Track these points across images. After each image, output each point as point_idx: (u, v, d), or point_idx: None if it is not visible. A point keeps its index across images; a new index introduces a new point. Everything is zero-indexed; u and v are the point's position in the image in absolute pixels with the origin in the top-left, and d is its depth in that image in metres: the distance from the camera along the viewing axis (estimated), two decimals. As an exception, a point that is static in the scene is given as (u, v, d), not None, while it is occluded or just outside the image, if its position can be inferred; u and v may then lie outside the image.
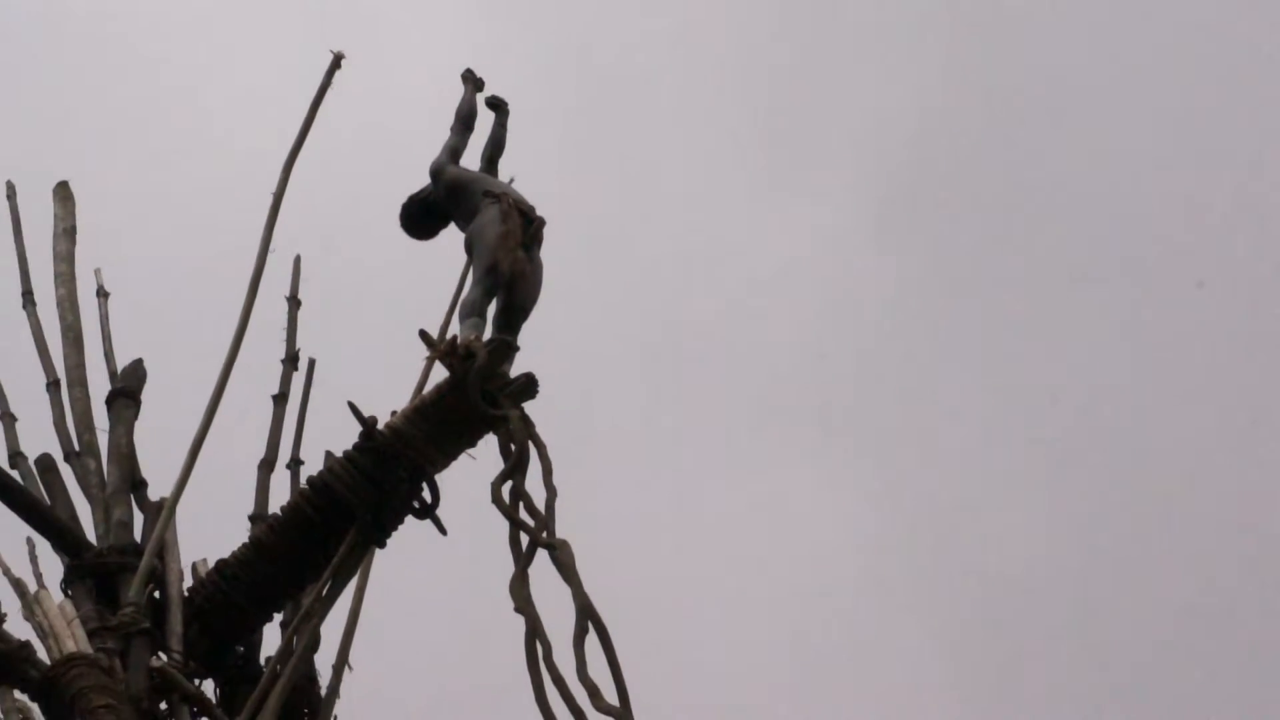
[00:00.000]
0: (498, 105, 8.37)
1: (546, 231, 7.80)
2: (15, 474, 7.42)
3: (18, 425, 7.73)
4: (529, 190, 7.92)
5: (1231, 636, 17.67)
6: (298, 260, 8.31)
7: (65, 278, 8.24)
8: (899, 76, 20.72)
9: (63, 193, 8.54)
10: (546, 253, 7.69)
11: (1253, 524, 18.68)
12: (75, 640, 6.89)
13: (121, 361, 8.04)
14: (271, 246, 8.06)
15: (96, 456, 7.62)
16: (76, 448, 7.67)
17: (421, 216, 7.89)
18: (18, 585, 7.16)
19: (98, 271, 8.31)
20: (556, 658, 6.44)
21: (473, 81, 8.38)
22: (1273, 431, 18.90)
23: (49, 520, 7.29)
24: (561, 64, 19.32)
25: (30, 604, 7.10)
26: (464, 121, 8.15)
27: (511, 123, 8.75)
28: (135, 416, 7.84)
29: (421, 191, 7.85)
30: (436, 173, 7.81)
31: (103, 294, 8.23)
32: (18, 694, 6.90)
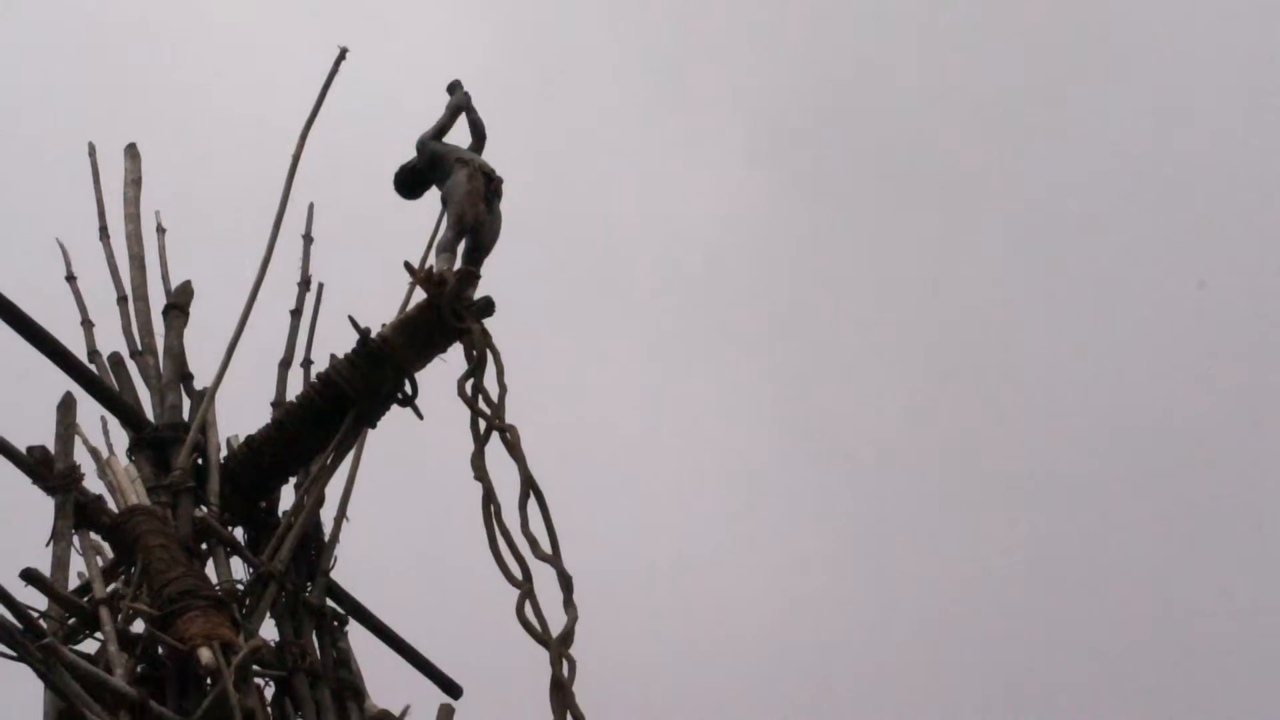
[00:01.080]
0: (452, 88, 8.48)
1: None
2: (92, 367, 7.66)
3: (95, 330, 7.95)
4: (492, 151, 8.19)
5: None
6: (311, 207, 8.57)
7: (132, 217, 8.46)
8: (778, 36, 20.45)
9: (131, 152, 8.76)
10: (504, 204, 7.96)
11: (1099, 409, 18.82)
12: (137, 495, 7.24)
13: (175, 282, 8.27)
14: (290, 196, 8.25)
15: (155, 355, 7.92)
16: (139, 348, 7.94)
17: (408, 181, 8.17)
18: (94, 453, 7.42)
19: (157, 213, 8.52)
20: (505, 517, 6.87)
21: (462, 90, 8.49)
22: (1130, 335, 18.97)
23: (118, 403, 7.59)
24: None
25: (103, 467, 7.41)
26: (452, 110, 8.29)
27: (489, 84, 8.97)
28: (185, 324, 8.11)
29: (409, 161, 8.11)
30: (420, 146, 8.06)
31: (160, 230, 8.46)
32: (93, 534, 7.07)
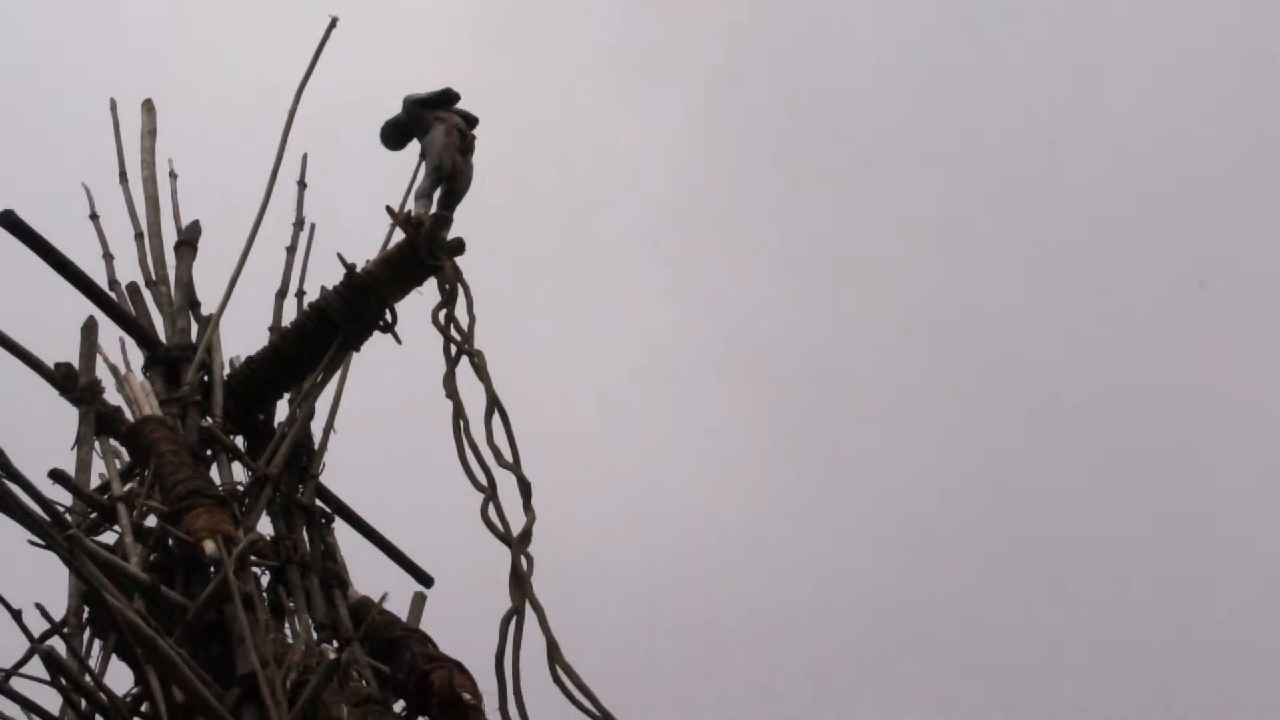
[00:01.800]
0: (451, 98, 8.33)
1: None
2: (112, 295, 7.72)
3: (114, 262, 8.01)
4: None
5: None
6: (305, 157, 8.56)
7: (148, 164, 8.46)
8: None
9: (148, 107, 8.74)
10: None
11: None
12: (151, 407, 7.24)
13: (185, 221, 8.33)
14: (286, 147, 8.25)
15: (167, 285, 7.97)
16: (154, 279, 7.98)
17: (393, 134, 8.15)
18: (113, 370, 7.46)
19: (170, 160, 8.51)
20: (473, 431, 6.89)
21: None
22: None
23: (135, 326, 7.65)
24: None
25: (121, 382, 7.44)
26: (441, 95, 8.16)
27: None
28: (193, 259, 8.14)
29: (394, 116, 8.09)
30: (405, 104, 8.03)
31: (173, 175, 8.46)
32: (112, 441, 7.19)
